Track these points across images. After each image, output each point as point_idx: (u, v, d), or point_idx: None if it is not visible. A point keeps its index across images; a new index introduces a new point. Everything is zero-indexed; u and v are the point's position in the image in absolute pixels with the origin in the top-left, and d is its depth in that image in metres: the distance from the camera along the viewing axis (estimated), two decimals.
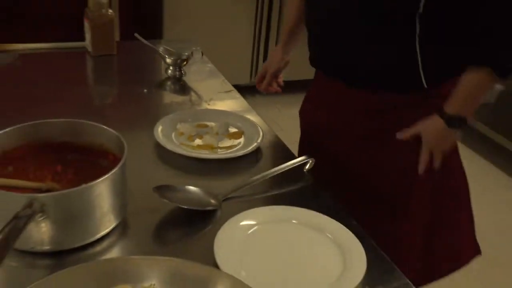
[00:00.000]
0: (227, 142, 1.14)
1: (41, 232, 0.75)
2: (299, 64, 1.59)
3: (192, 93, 1.43)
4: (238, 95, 1.43)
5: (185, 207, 0.89)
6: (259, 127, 1.18)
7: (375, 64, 1.15)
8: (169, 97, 1.42)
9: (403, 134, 1.15)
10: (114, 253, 0.82)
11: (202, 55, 1.53)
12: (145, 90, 1.41)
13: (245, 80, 3.30)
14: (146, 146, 1.11)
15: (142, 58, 1.62)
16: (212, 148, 1.11)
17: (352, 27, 1.14)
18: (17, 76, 1.45)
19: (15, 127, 0.88)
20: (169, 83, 1.47)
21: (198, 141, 1.13)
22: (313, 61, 1.32)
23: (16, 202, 0.71)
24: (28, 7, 3.07)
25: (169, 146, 1.07)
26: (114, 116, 1.28)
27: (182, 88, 1.45)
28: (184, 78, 1.49)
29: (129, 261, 0.69)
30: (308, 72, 1.38)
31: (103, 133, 0.90)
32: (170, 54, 1.48)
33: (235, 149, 1.11)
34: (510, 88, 3.30)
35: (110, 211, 0.81)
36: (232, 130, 1.18)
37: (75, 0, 3.00)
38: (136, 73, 1.54)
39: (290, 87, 3.58)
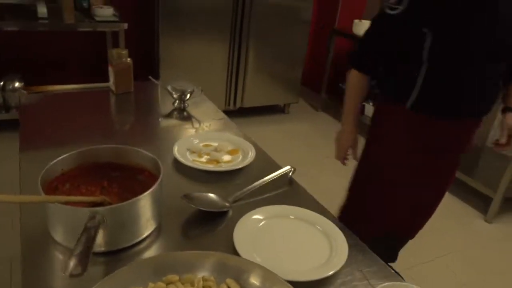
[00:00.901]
0: (228, 157, 1.11)
1: (99, 238, 0.70)
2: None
3: (194, 120, 1.39)
4: (228, 120, 1.41)
5: (206, 209, 0.86)
6: (250, 145, 1.16)
7: (479, 97, 1.16)
8: (177, 123, 1.37)
9: (504, 140, 1.22)
10: (154, 249, 0.78)
11: (202, 91, 1.50)
12: (160, 119, 1.37)
13: (220, 107, 3.27)
14: (166, 162, 1.07)
15: (151, 95, 1.57)
16: (217, 162, 1.08)
17: (473, 71, 1.10)
18: (56, 110, 1.37)
19: (73, 152, 0.83)
20: (175, 113, 1.43)
21: (206, 157, 1.10)
22: (424, 106, 1.15)
23: (82, 215, 0.67)
24: (59, 57, 2.96)
25: (184, 162, 1.04)
26: (137, 138, 1.23)
27: (187, 116, 1.42)
28: (187, 109, 1.45)
29: (177, 256, 0.66)
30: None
31: (140, 155, 0.86)
32: (176, 91, 1.44)
33: (234, 162, 1.09)
34: None
35: (152, 217, 0.78)
36: (230, 148, 1.16)
37: (95, 53, 2.93)
38: (150, 106, 1.49)
39: (251, 112, 3.58)
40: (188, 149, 1.12)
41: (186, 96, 1.43)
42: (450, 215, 2.47)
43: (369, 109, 3.34)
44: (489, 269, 2.08)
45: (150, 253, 0.77)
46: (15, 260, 1.75)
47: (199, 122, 1.38)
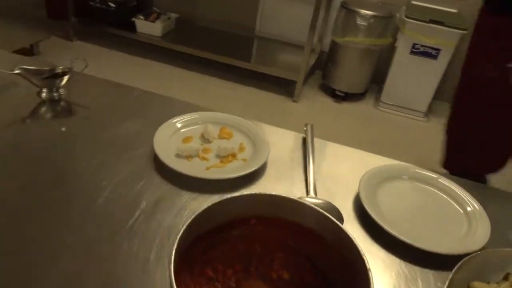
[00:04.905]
0: (234, 144, 0.82)
1: None
2: None
3: (95, 110, 0.92)
4: (150, 94, 0.99)
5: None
6: (229, 115, 0.88)
7: None
8: (71, 124, 0.86)
9: None
10: None
11: (86, 66, 0.94)
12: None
13: None
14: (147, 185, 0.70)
15: None
16: (233, 156, 0.78)
17: None
18: None
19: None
20: (44, 108, 0.89)
21: (210, 156, 0.78)
22: None
23: None
24: None
25: (200, 175, 0.71)
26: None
27: (68, 108, 0.91)
28: (64, 97, 0.92)
29: None
30: None
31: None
32: (37, 74, 0.88)
33: (249, 148, 0.81)
34: (183, 15, 3.26)
35: None
36: (216, 130, 0.85)
37: None
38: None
39: None
40: (178, 155, 0.76)
41: (62, 79, 0.89)
42: (264, 104, 2.71)
43: None
44: None
45: None
46: None
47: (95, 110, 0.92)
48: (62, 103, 0.92)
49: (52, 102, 0.91)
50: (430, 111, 2.84)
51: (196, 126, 0.85)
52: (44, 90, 0.90)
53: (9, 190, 0.66)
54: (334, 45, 2.81)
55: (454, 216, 0.71)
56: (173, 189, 0.70)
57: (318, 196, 0.71)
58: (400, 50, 2.65)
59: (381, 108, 2.88)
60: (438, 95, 2.76)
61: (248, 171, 0.73)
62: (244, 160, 0.78)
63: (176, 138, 0.81)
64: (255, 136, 0.83)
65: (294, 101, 2.81)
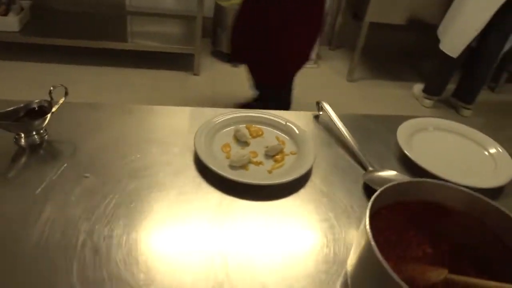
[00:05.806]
0: (269, 141, 0.79)
1: None
2: None
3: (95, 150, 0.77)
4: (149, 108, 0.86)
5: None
6: (255, 112, 0.84)
7: None
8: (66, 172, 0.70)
9: None
10: None
11: (66, 95, 0.74)
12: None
13: None
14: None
15: None
16: (282, 152, 0.76)
17: None
18: None
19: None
20: (24, 158, 0.72)
21: (262, 160, 0.74)
22: None
23: None
24: None
25: (279, 180, 0.68)
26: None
27: (55, 150, 0.75)
28: (47, 138, 0.75)
29: None
30: None
31: None
32: (6, 117, 0.69)
33: (290, 139, 0.79)
34: (37, 1, 2.76)
35: None
36: (246, 131, 0.80)
37: None
38: None
39: None
40: (231, 166, 0.70)
41: (44, 119, 0.71)
42: (165, 85, 2.58)
43: None
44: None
45: None
46: None
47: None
48: (44, 144, 0.75)
49: (33, 147, 0.73)
50: (318, 58, 3.06)
51: (224, 130, 0.79)
52: (22, 135, 0.72)
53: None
54: (219, 9, 2.76)
55: (480, 158, 0.82)
56: (250, 205, 0.66)
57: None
58: None
59: None
60: (323, 41, 2.99)
61: (312, 161, 0.72)
62: (293, 153, 0.76)
63: (215, 147, 0.75)
64: (285, 125, 0.82)
65: (195, 74, 2.72)
